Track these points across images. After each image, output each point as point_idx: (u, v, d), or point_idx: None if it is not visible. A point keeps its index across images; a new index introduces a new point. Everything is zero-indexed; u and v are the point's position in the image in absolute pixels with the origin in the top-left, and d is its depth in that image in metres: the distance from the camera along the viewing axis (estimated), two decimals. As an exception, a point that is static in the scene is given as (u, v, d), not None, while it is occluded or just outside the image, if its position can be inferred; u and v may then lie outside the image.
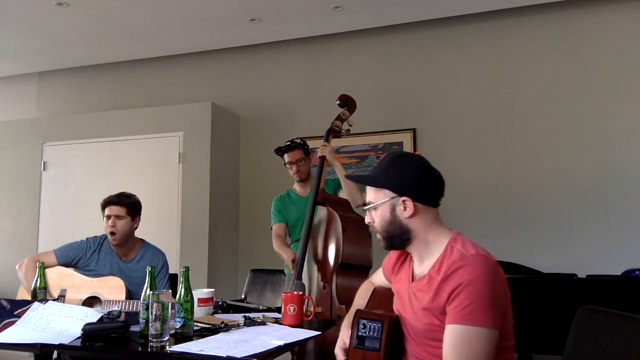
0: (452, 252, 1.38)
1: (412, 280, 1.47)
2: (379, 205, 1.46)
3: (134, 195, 2.78)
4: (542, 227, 3.78)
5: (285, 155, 3.00)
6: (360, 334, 1.43)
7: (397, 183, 1.43)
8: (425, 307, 1.38)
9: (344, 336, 1.58)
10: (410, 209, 1.42)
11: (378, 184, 1.47)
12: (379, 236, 1.51)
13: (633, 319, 1.43)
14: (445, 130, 4.10)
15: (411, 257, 1.52)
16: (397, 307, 1.53)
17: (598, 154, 3.72)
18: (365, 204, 1.52)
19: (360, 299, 1.74)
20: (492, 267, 1.34)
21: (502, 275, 1.36)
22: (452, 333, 1.29)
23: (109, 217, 2.64)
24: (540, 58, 3.93)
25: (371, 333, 1.42)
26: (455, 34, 4.16)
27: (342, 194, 2.86)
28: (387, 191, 1.44)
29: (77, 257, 2.66)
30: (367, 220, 1.51)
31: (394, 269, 1.59)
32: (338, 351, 1.58)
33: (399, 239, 1.46)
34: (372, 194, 1.48)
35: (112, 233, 2.63)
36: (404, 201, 1.42)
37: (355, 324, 1.45)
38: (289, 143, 3.02)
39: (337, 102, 2.93)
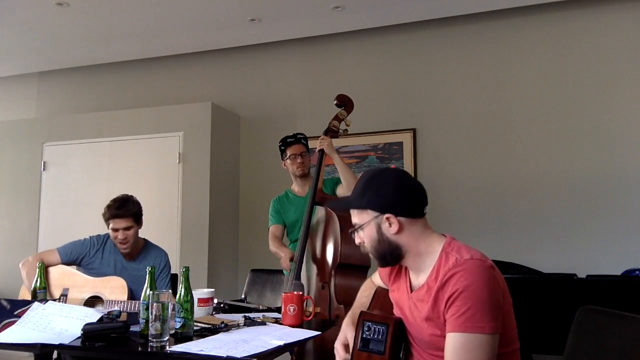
0: (448, 259, 1.36)
1: (411, 291, 1.46)
2: (364, 226, 1.45)
3: (132, 197, 2.73)
4: (542, 227, 3.78)
5: (291, 148, 3.00)
6: (364, 336, 1.41)
7: (377, 202, 1.41)
8: (427, 317, 1.37)
9: (346, 332, 1.58)
10: (395, 225, 1.40)
11: (359, 206, 1.45)
12: (371, 256, 1.49)
13: (633, 319, 1.43)
14: (445, 130, 4.09)
15: (407, 267, 1.51)
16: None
17: (598, 154, 3.72)
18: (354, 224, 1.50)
19: (364, 297, 1.73)
20: (488, 270, 1.32)
21: (499, 277, 1.34)
22: (451, 342, 1.28)
23: (116, 229, 2.61)
24: (540, 58, 3.93)
25: (376, 336, 1.40)
26: (455, 34, 4.16)
27: (340, 190, 2.86)
28: (369, 211, 1.43)
29: (81, 255, 2.66)
30: (357, 241, 1.50)
31: (390, 277, 1.57)
32: (338, 345, 1.57)
33: (390, 256, 1.45)
34: (357, 216, 1.47)
35: (124, 243, 2.62)
36: (387, 218, 1.40)
37: (359, 326, 1.43)
38: (294, 134, 3.05)
39: (335, 102, 2.93)
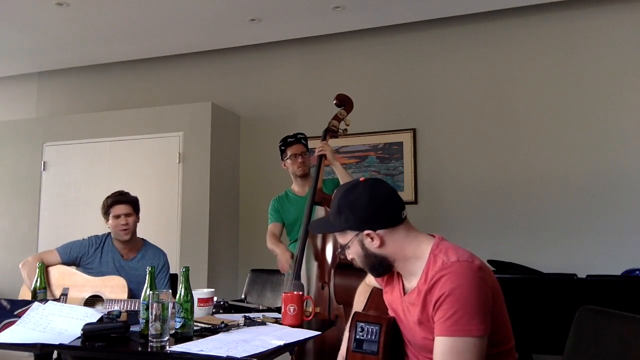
0: (436, 261, 1.36)
1: (404, 294, 1.46)
2: (350, 244, 1.46)
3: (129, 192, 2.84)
4: (542, 227, 3.78)
5: (292, 148, 3.00)
6: (358, 337, 1.41)
7: (352, 221, 1.43)
8: (418, 320, 1.37)
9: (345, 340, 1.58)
10: (376, 240, 1.41)
11: (337, 229, 1.47)
12: (364, 269, 1.51)
13: (633, 319, 1.43)
14: (445, 130, 4.09)
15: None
16: None
17: (598, 154, 3.71)
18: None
19: (359, 302, 1.73)
20: (474, 272, 1.30)
21: (487, 278, 1.33)
22: (440, 346, 1.28)
23: (118, 216, 2.68)
24: (540, 58, 3.93)
25: (369, 336, 1.41)
26: (455, 34, 4.16)
27: None
28: (349, 231, 1.45)
29: (80, 255, 2.69)
30: (348, 257, 1.52)
31: (384, 278, 1.58)
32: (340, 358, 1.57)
33: (380, 266, 1.46)
34: (340, 237, 1.49)
35: (125, 230, 2.67)
36: (367, 234, 1.41)
37: (352, 327, 1.44)
38: (294, 134, 3.05)
39: (334, 102, 2.93)
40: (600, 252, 3.61)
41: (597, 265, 3.50)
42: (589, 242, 3.66)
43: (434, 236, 1.45)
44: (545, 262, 3.61)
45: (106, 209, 2.72)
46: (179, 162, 4.29)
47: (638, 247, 3.54)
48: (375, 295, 1.68)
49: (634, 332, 1.39)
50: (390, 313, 1.53)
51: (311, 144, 3.19)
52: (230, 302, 2.45)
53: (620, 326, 1.44)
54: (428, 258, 1.38)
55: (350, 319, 1.52)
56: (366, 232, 1.41)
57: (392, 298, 1.52)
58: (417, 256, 1.41)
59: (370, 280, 1.76)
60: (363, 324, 1.43)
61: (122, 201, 2.71)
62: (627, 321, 1.44)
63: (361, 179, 1.50)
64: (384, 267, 1.46)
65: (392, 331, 1.45)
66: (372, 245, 1.42)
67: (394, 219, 1.43)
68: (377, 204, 1.43)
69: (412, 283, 1.43)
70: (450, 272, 1.30)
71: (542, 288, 2.91)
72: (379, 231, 1.41)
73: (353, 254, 1.47)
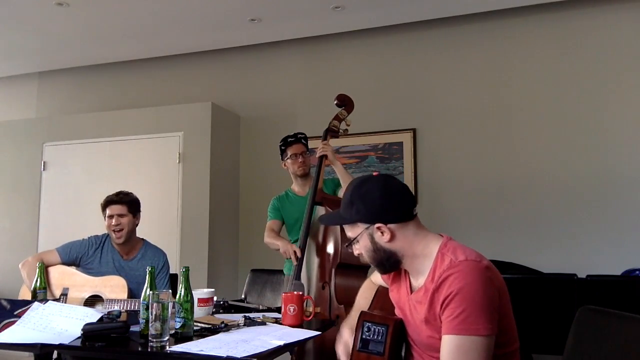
0: (443, 260, 1.36)
1: (411, 292, 1.46)
2: (359, 238, 1.45)
3: (132, 192, 2.83)
4: (542, 227, 3.78)
5: (292, 147, 3.00)
6: (364, 337, 1.41)
7: (365, 213, 1.42)
8: (424, 319, 1.37)
9: (345, 335, 1.57)
10: (387, 233, 1.40)
11: (348, 220, 1.46)
12: (371, 264, 1.50)
13: (633, 319, 1.43)
14: (445, 130, 4.09)
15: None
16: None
17: (598, 154, 3.71)
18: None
19: (363, 299, 1.73)
20: (483, 271, 1.31)
21: (495, 278, 1.34)
22: (447, 344, 1.28)
23: (111, 216, 2.68)
24: (540, 58, 3.93)
25: (375, 336, 1.40)
26: (455, 34, 4.16)
27: (341, 193, 2.86)
28: (359, 224, 1.44)
29: (80, 255, 2.70)
30: (355, 253, 1.51)
31: (390, 276, 1.58)
32: (339, 349, 1.57)
33: (388, 262, 1.45)
34: (349, 230, 1.48)
35: (117, 231, 2.66)
36: (378, 228, 1.41)
37: (359, 327, 1.43)
38: (294, 134, 3.05)
39: (335, 102, 2.93)
40: (600, 252, 3.61)
41: (597, 265, 3.50)
42: (589, 242, 3.66)
43: (442, 236, 1.45)
44: (545, 262, 3.62)
45: (102, 209, 2.74)
46: (179, 162, 4.29)
47: (638, 247, 3.54)
48: (381, 295, 1.68)
49: (634, 332, 1.39)
50: (397, 311, 1.53)
51: (312, 144, 3.19)
52: (230, 302, 2.45)
53: (620, 326, 1.45)
54: (436, 257, 1.39)
55: (351, 316, 1.52)
56: (377, 225, 1.41)
57: (398, 296, 1.52)
58: (425, 254, 1.41)
59: (376, 279, 1.76)
60: (370, 324, 1.42)
61: (114, 201, 2.71)
62: (627, 321, 1.44)
63: (374, 173, 1.50)
64: (391, 263, 1.45)
65: (399, 332, 1.45)
66: (382, 239, 1.41)
67: (406, 214, 1.43)
68: (390, 198, 1.43)
69: (419, 281, 1.43)
70: (458, 271, 1.30)
71: (542, 288, 2.91)
72: (390, 225, 1.40)
73: (361, 248, 1.47)
